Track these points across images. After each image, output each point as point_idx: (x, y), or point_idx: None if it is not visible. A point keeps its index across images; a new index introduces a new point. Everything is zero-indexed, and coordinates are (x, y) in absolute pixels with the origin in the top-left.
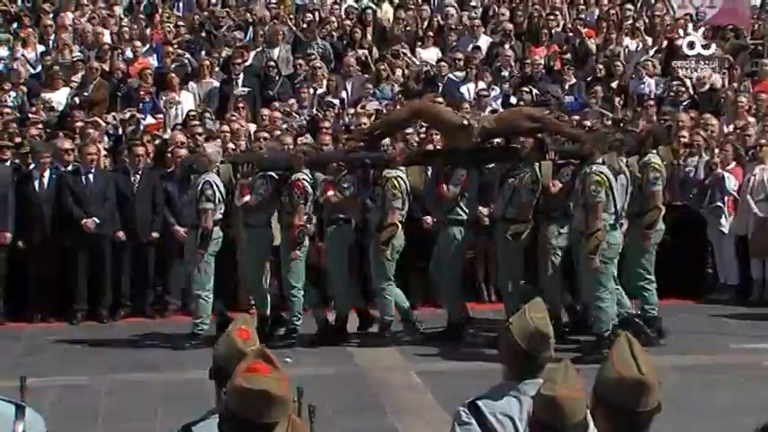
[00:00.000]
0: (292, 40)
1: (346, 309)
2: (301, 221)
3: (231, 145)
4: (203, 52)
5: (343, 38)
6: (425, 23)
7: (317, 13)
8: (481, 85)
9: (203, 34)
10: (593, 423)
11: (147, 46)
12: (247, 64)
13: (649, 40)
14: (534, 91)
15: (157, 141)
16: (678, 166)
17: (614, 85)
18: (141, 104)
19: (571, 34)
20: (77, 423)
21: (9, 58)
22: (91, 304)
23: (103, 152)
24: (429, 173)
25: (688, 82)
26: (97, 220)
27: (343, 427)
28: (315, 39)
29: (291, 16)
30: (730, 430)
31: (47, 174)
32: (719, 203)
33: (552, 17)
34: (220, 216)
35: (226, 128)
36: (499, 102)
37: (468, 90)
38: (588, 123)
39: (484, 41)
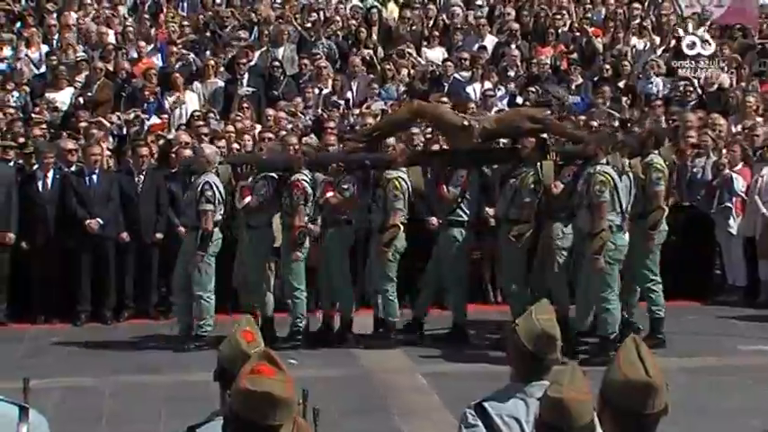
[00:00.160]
0: (297, 39)
1: (350, 311)
2: (302, 222)
3: (236, 145)
4: (208, 52)
5: (349, 37)
6: (431, 23)
7: (322, 13)
8: (487, 85)
9: (208, 34)
10: (599, 425)
11: (152, 46)
12: (252, 64)
13: (657, 40)
14: (540, 91)
15: (161, 142)
16: (685, 166)
17: (621, 84)
18: (146, 105)
19: (578, 34)
20: (81, 425)
21: (12, 57)
22: (94, 305)
23: (107, 152)
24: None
25: (695, 82)
26: (101, 221)
27: (348, 430)
28: (320, 38)
29: (297, 16)
30: None
31: (50, 174)
32: (728, 204)
33: (559, 16)
34: (220, 217)
35: (230, 128)
36: (505, 102)
37: (473, 90)
38: (595, 123)
39: (490, 41)
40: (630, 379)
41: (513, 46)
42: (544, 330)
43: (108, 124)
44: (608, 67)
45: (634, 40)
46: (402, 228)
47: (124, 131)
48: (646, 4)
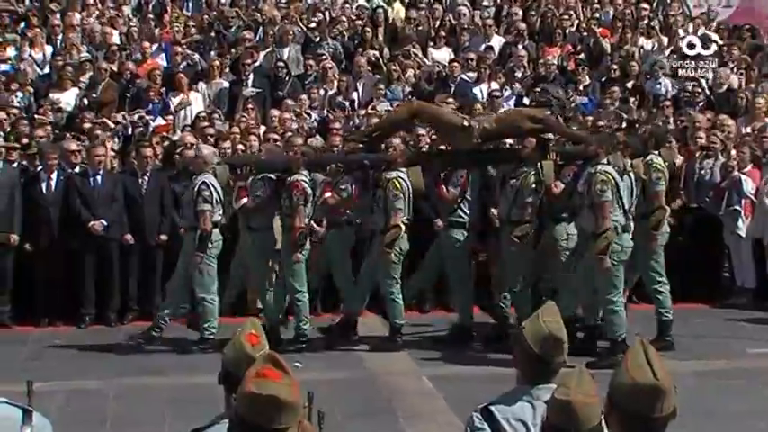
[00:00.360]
0: (302, 40)
1: (355, 312)
2: (302, 223)
3: (241, 146)
4: (213, 53)
5: (354, 38)
6: (437, 23)
7: (327, 13)
8: (494, 85)
9: (212, 34)
10: (607, 429)
11: (156, 46)
12: (257, 65)
13: (665, 40)
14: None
15: (166, 143)
16: (694, 168)
17: (629, 85)
18: (150, 105)
19: (585, 34)
20: (85, 427)
21: (16, 58)
22: (98, 308)
23: (111, 153)
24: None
25: (704, 82)
26: (105, 223)
27: None
28: (325, 39)
29: (304, 16)
30: None
31: (54, 175)
32: (736, 206)
33: (566, 17)
34: (219, 218)
35: (235, 129)
36: (512, 102)
37: (480, 91)
38: (602, 124)
39: (497, 41)
40: (638, 382)
41: (520, 46)
42: (551, 333)
43: (112, 125)
44: (615, 67)
45: (642, 41)
46: (404, 228)
47: (129, 132)
48: (654, 4)
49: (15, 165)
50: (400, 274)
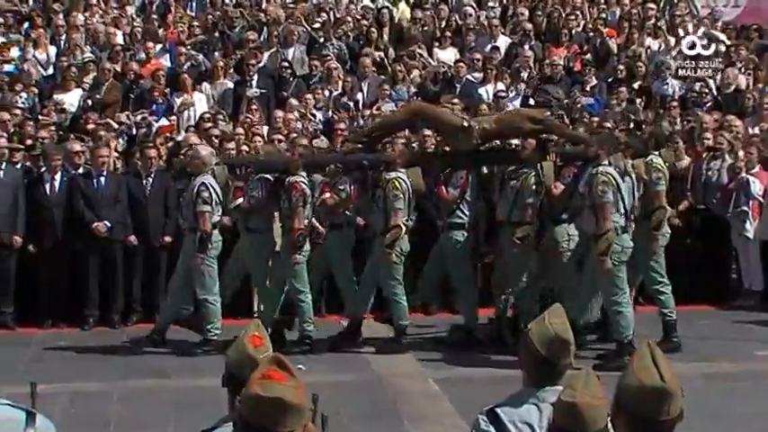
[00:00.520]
0: (307, 40)
1: (359, 313)
2: (301, 225)
3: (245, 147)
4: (217, 53)
5: (359, 38)
6: (443, 23)
7: (332, 13)
8: (500, 86)
9: (217, 35)
10: (613, 431)
11: (160, 46)
12: (261, 65)
13: (672, 41)
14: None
15: (170, 144)
16: (701, 168)
17: (636, 85)
18: (154, 106)
19: (592, 34)
20: (89, 430)
21: (20, 59)
22: (102, 309)
23: (115, 154)
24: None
25: (711, 83)
26: (108, 224)
27: None
28: (330, 39)
29: (309, 16)
30: None
31: (58, 176)
32: (744, 208)
33: (572, 17)
34: (218, 218)
35: (240, 130)
36: (518, 103)
37: (486, 91)
38: (608, 125)
39: (503, 42)
40: (645, 384)
41: (527, 47)
42: (557, 335)
43: (116, 126)
44: (622, 68)
45: (649, 41)
46: (404, 228)
47: (134, 132)
48: (661, 4)
49: (19, 166)
50: (402, 276)
